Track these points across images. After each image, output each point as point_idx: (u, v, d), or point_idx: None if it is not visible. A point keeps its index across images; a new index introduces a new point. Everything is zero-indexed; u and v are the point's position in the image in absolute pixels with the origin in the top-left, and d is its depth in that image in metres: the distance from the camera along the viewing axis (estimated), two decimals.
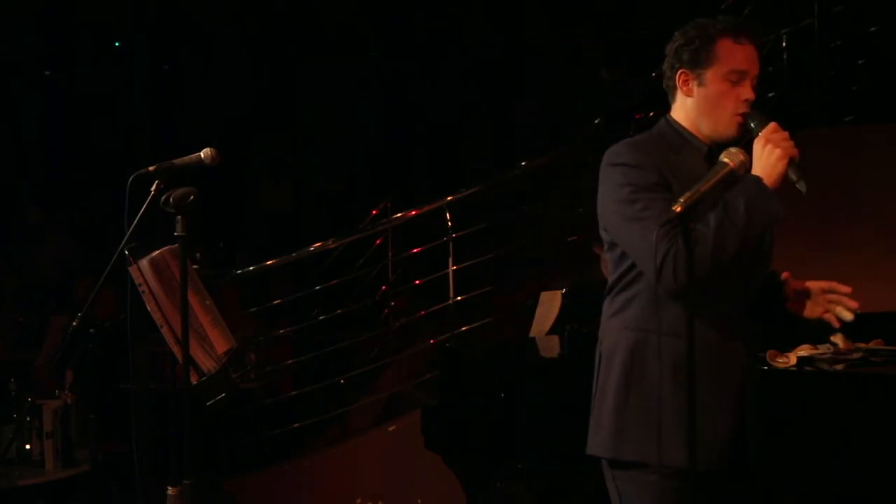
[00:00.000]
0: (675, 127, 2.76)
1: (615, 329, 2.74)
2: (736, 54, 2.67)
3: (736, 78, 2.67)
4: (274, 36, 9.07)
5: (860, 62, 5.73)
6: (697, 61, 2.70)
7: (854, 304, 2.73)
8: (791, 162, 2.56)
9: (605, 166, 2.71)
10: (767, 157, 2.57)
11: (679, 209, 2.31)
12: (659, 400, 2.56)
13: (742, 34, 2.69)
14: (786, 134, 2.59)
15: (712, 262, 2.51)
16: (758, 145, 2.60)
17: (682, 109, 2.77)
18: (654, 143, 2.74)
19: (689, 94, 2.74)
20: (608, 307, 2.79)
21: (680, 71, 2.74)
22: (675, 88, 2.78)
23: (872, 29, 5.71)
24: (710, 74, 2.69)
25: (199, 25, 8.94)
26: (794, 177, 2.57)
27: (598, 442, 2.75)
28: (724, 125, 2.70)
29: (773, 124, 2.61)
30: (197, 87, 9.09)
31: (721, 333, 2.65)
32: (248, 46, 9.11)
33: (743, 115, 2.67)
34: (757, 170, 2.57)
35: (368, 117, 8.97)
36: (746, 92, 2.66)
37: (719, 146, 2.63)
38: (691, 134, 2.74)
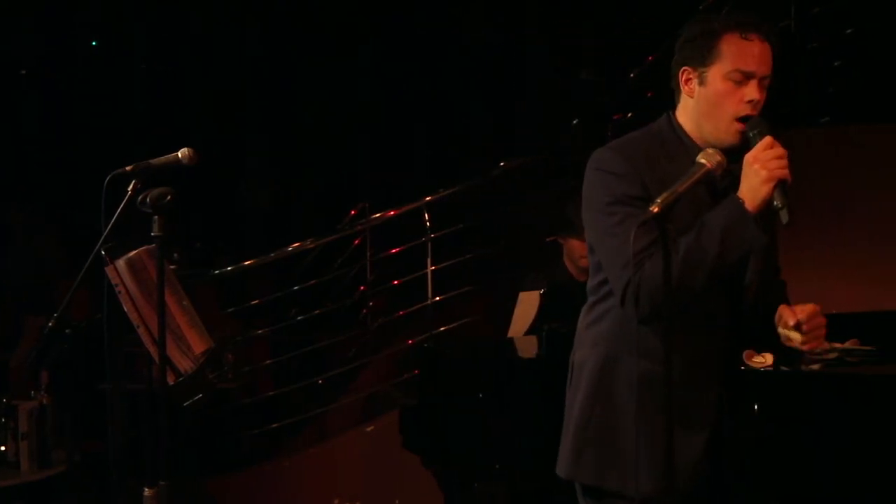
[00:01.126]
0: (675, 129, 2.57)
1: (587, 342, 2.63)
2: (742, 51, 2.45)
3: (740, 78, 2.45)
4: (258, 35, 9.05)
5: (837, 64, 5.76)
6: (700, 58, 2.49)
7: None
8: (778, 185, 2.34)
9: (590, 170, 2.55)
10: (752, 178, 2.36)
11: (656, 210, 2.26)
12: (619, 425, 2.50)
13: (751, 29, 2.46)
14: (779, 152, 2.36)
15: (678, 293, 2.32)
16: (745, 163, 2.40)
17: (685, 111, 2.57)
18: (647, 146, 2.56)
19: (690, 93, 2.54)
20: (584, 315, 2.68)
21: (682, 68, 2.54)
22: (678, 88, 2.58)
23: (849, 31, 5.75)
24: (711, 73, 2.48)
25: (177, 24, 8.90)
26: (778, 203, 2.35)
27: (560, 460, 2.67)
28: (724, 130, 2.49)
29: (766, 139, 2.39)
30: (176, 86, 9.05)
31: (695, 358, 2.47)
32: (231, 45, 9.08)
33: (745, 121, 2.47)
34: (742, 190, 2.38)
35: (352, 116, 8.95)
36: (751, 92, 2.45)
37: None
38: (691, 139, 2.55)
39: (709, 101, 2.50)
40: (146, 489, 2.74)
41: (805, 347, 2.44)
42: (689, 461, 2.46)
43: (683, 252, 2.38)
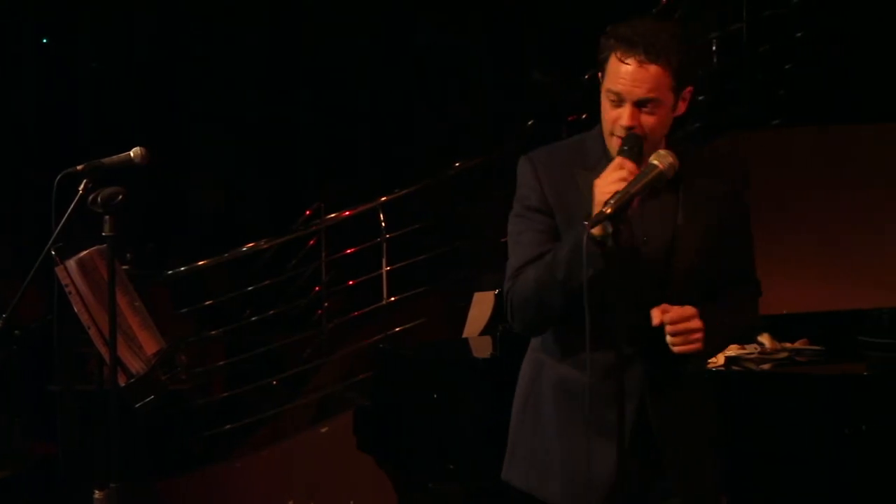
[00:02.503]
0: (600, 138, 2.51)
1: (530, 346, 2.67)
2: (616, 72, 2.38)
3: (614, 98, 2.39)
4: (211, 33, 8.98)
5: (787, 66, 5.84)
6: (601, 70, 2.45)
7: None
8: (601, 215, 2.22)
9: None
10: (595, 199, 2.30)
11: (609, 211, 2.25)
12: (542, 431, 2.52)
13: (629, 51, 2.35)
14: (621, 174, 2.28)
15: (540, 310, 2.43)
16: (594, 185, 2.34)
17: None
18: (567, 155, 2.54)
19: None
20: None
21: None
22: None
23: (799, 34, 5.83)
24: (603, 86, 2.45)
25: (128, 22, 8.81)
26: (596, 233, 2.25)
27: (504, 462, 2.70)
28: (609, 143, 2.45)
29: (614, 162, 2.33)
30: (127, 85, 8.96)
31: (611, 367, 2.29)
32: (182, 43, 9.01)
33: (621, 139, 2.40)
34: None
35: (303, 115, 8.91)
36: (623, 117, 2.37)
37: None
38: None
39: (601, 115, 2.48)
40: (97, 491, 2.72)
41: (675, 350, 2.37)
42: (605, 471, 2.38)
43: (536, 274, 2.42)
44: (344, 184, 8.14)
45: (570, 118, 6.45)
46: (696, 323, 2.35)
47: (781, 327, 3.91)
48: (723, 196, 2.51)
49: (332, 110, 8.85)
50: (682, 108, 2.46)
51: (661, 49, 2.35)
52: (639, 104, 2.38)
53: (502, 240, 5.85)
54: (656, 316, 2.35)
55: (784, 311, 4.04)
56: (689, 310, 2.36)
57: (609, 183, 2.29)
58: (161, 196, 8.44)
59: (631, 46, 2.35)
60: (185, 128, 8.95)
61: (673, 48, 2.37)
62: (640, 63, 2.35)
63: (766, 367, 3.68)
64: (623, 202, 2.30)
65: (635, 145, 2.37)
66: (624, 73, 2.36)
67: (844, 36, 5.79)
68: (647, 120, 2.39)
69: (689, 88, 2.45)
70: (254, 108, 8.82)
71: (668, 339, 2.36)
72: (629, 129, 2.38)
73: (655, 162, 2.37)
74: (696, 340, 2.35)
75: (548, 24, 8.17)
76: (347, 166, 8.73)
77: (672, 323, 2.35)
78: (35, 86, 8.97)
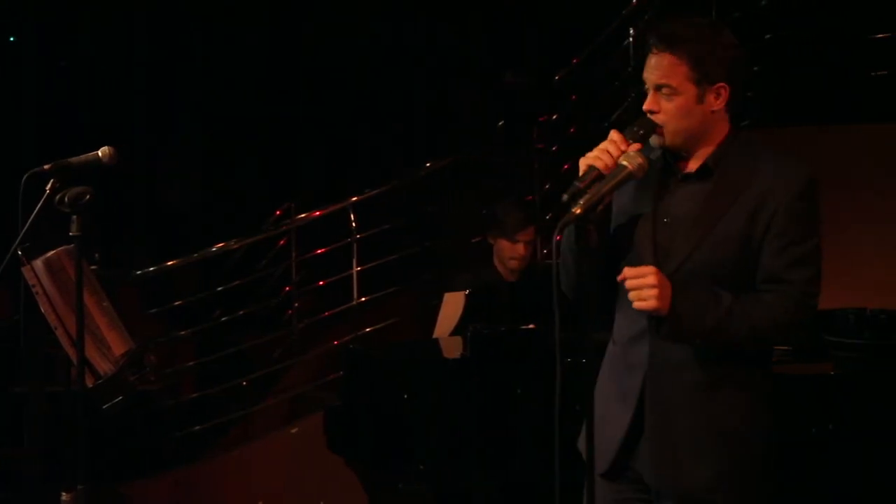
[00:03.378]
0: None
1: None
2: (646, 61, 2.59)
3: (646, 85, 2.60)
4: (175, 29, 8.92)
5: (756, 69, 5.87)
6: None
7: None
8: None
9: None
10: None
11: (578, 211, 2.35)
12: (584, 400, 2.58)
13: (650, 41, 2.58)
14: (602, 146, 2.48)
15: (566, 280, 2.56)
16: None
17: None
18: None
19: None
20: None
21: None
22: None
23: (767, 36, 5.87)
24: None
25: (97, 20, 8.75)
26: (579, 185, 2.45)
27: None
28: None
29: (611, 134, 2.53)
30: (96, 83, 8.89)
31: (630, 334, 2.60)
32: (151, 43, 8.95)
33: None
34: None
35: (274, 113, 8.88)
36: (647, 101, 2.58)
37: (667, 150, 2.59)
38: None
39: None
40: (64, 493, 2.71)
41: (634, 306, 2.48)
42: (614, 435, 2.60)
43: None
44: (314, 184, 8.12)
45: (541, 119, 6.47)
46: (650, 280, 2.44)
47: None
48: (757, 194, 2.53)
49: (303, 110, 8.82)
50: (715, 103, 2.56)
51: (675, 39, 2.53)
52: (657, 89, 2.55)
53: (473, 240, 5.90)
54: (621, 274, 2.50)
55: None
56: (647, 268, 2.46)
57: (592, 153, 2.48)
58: (129, 195, 8.38)
59: (650, 37, 2.58)
60: (153, 126, 8.88)
61: (690, 40, 2.53)
62: (657, 52, 2.55)
63: None
64: (592, 203, 2.37)
65: (643, 127, 2.54)
66: (647, 62, 2.58)
67: (812, 37, 5.84)
68: (665, 105, 2.55)
69: (722, 84, 2.55)
70: (222, 107, 8.76)
71: (629, 294, 2.49)
72: (650, 113, 2.56)
73: (625, 163, 2.44)
74: (650, 297, 2.43)
75: (521, 26, 8.19)
76: (320, 166, 8.71)
77: (628, 278, 2.48)
78: (2, 84, 8.89)
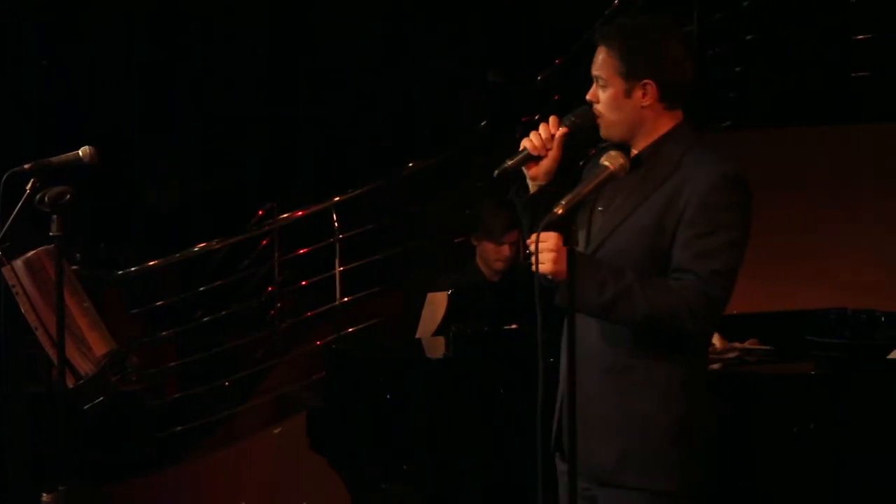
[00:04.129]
0: None
1: None
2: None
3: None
4: (158, 28, 8.89)
5: (738, 69, 5.90)
6: None
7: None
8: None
9: None
10: None
11: (560, 211, 2.35)
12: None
13: (597, 33, 2.71)
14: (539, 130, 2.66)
15: None
16: None
17: None
18: None
19: None
20: None
21: None
22: None
23: (750, 37, 5.89)
24: None
25: (77, 19, 8.71)
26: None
27: None
28: None
29: (551, 117, 2.68)
30: (78, 83, 8.85)
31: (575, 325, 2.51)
32: (134, 42, 8.92)
33: None
34: None
35: (256, 113, 8.86)
36: (589, 92, 2.69)
37: (616, 145, 2.63)
38: None
39: None
40: (45, 495, 2.69)
41: (533, 269, 2.50)
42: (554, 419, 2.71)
43: None
44: (296, 184, 8.11)
45: (524, 119, 6.47)
46: (549, 244, 2.48)
47: (731, 327, 3.96)
48: (675, 185, 2.56)
49: (286, 110, 8.81)
50: (642, 99, 2.61)
51: (610, 34, 2.64)
52: (595, 80, 2.67)
53: (456, 240, 5.91)
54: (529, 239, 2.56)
55: (734, 312, 4.09)
56: (550, 234, 2.47)
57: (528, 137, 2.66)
58: (111, 195, 8.35)
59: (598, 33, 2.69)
60: (134, 127, 8.85)
61: (623, 36, 2.63)
62: (599, 45, 2.67)
63: (715, 366, 3.71)
64: (574, 204, 2.39)
65: (579, 116, 2.69)
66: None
67: (795, 39, 5.85)
68: (602, 96, 2.66)
69: (648, 81, 2.60)
70: (207, 105, 8.74)
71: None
72: (591, 103, 2.68)
73: (606, 163, 2.46)
74: (547, 261, 2.48)
75: (502, 25, 8.19)
76: (300, 166, 8.70)
77: (533, 242, 2.51)
78: None
